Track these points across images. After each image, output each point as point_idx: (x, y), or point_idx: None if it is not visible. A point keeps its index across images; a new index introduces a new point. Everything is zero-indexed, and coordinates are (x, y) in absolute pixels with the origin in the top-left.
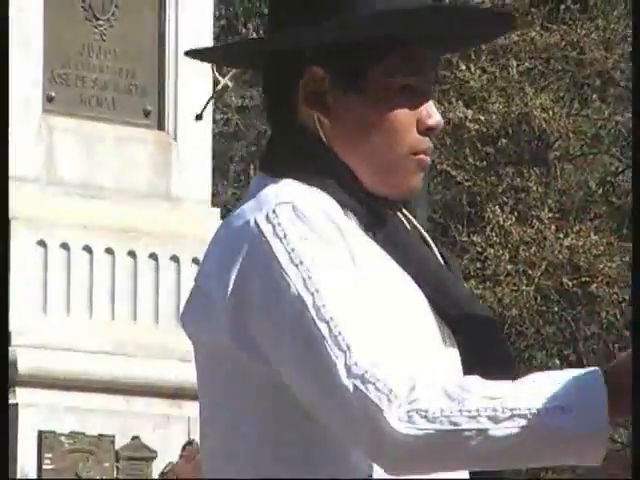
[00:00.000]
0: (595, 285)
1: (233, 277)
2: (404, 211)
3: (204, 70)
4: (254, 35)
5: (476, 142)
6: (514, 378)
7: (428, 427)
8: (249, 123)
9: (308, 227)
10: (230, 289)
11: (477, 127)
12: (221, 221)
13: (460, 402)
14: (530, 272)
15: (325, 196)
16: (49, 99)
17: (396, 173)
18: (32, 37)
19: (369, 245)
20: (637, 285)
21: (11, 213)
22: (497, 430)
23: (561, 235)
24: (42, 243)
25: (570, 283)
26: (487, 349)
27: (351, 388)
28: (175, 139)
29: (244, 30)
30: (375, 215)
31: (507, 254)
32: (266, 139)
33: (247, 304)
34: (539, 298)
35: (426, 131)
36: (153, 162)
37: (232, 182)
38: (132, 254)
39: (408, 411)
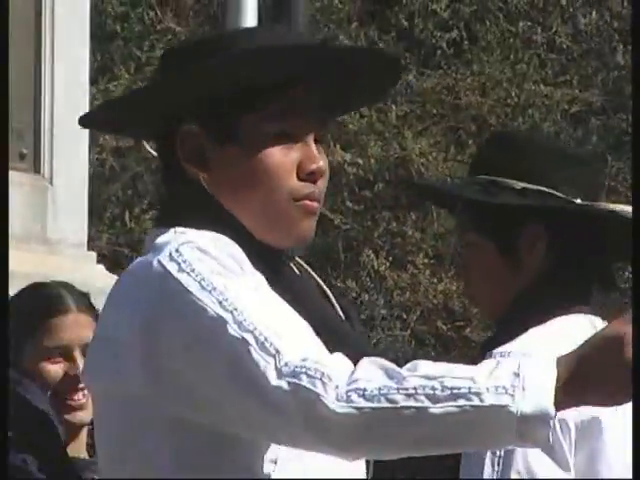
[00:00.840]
0: (469, 329)
1: (144, 320)
2: (298, 260)
3: (79, 114)
4: (127, 77)
5: (354, 186)
6: None
7: (366, 405)
8: (124, 164)
9: (215, 262)
10: (143, 333)
11: (355, 171)
12: (97, 265)
13: (399, 381)
14: (405, 317)
15: (225, 238)
16: None
17: (281, 221)
18: None
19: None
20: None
21: None
22: (436, 409)
23: (435, 280)
24: None
25: (445, 327)
26: None
27: (284, 386)
28: (51, 182)
29: (119, 73)
30: (270, 268)
31: (382, 299)
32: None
33: (164, 343)
34: (414, 342)
35: (307, 176)
36: (28, 206)
37: (107, 226)
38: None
39: (347, 391)
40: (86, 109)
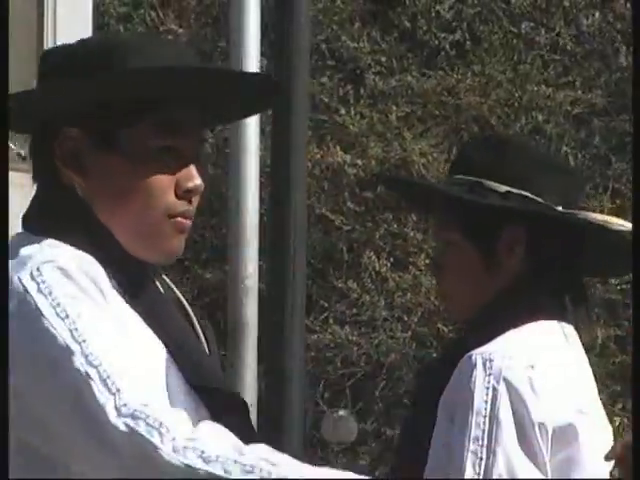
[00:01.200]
0: None
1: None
2: (164, 277)
3: None
4: None
5: (355, 187)
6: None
7: (202, 467)
8: None
9: (73, 285)
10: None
11: (355, 172)
12: None
13: (240, 454)
14: (406, 318)
15: (88, 257)
16: None
17: (153, 236)
18: None
19: (127, 311)
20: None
21: None
22: None
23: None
24: None
25: (446, 329)
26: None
27: (121, 427)
28: None
29: None
30: (134, 283)
31: (383, 300)
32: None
33: (17, 366)
34: (415, 344)
35: (184, 194)
36: None
37: None
38: None
39: (185, 446)
40: None
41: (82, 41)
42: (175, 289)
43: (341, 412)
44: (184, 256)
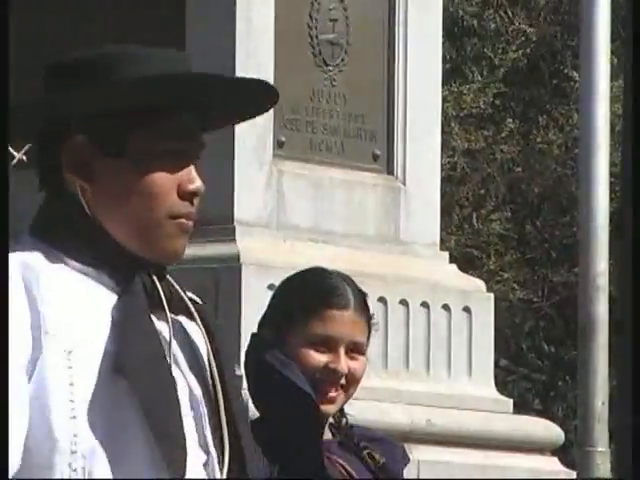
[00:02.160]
0: None
1: None
2: (169, 279)
3: (432, 116)
4: (479, 79)
5: None
6: None
7: None
8: (475, 166)
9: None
10: None
11: None
12: (450, 265)
13: None
14: None
15: (56, 266)
16: (279, 144)
17: (155, 237)
18: None
19: (93, 320)
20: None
21: (241, 258)
22: None
23: None
24: (272, 287)
25: None
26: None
27: None
28: (404, 183)
29: (471, 75)
30: (127, 288)
31: None
32: None
33: None
34: None
35: (187, 195)
36: (382, 206)
37: (456, 228)
38: None
39: None
40: (438, 111)
41: (85, 51)
42: (182, 293)
43: None
44: (532, 254)
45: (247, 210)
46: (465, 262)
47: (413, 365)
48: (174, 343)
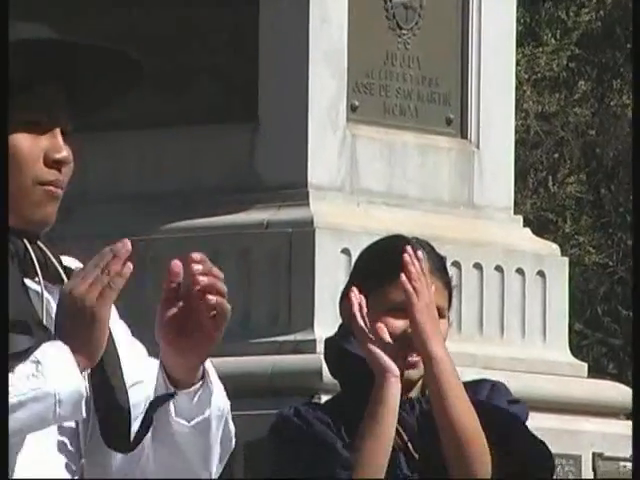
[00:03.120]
0: None
1: None
2: (39, 244)
3: (506, 79)
4: (553, 42)
5: None
6: None
7: None
8: (549, 130)
9: None
10: None
11: None
12: (524, 229)
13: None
14: None
15: None
16: (353, 108)
17: (23, 204)
18: (336, 48)
19: None
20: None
21: (315, 222)
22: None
23: None
24: (346, 251)
25: None
26: None
27: None
28: (478, 147)
29: (545, 38)
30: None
31: None
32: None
33: None
34: None
35: (53, 164)
36: (456, 170)
37: (531, 191)
38: None
39: None
40: (512, 75)
41: None
42: (53, 258)
43: None
44: (607, 218)
45: (321, 174)
46: (540, 226)
47: (487, 329)
48: (48, 302)
